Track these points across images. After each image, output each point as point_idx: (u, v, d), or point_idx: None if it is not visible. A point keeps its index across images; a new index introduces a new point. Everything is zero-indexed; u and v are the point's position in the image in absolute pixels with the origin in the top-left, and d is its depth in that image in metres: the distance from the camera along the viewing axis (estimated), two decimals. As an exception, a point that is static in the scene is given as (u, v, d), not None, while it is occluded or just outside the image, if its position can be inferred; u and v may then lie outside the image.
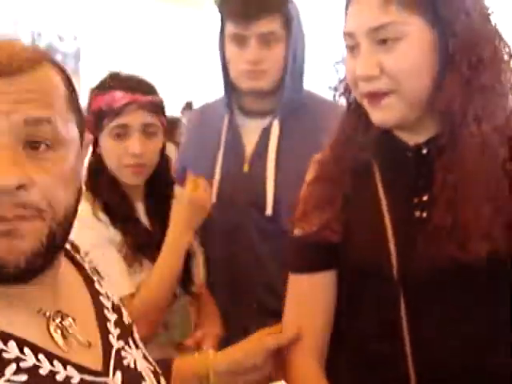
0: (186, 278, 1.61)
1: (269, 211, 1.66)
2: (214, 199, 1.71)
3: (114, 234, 1.51)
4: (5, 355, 0.72)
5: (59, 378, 0.75)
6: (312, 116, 1.71)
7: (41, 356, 0.75)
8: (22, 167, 0.71)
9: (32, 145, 0.73)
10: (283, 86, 1.69)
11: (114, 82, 1.57)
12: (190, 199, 1.57)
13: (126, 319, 0.95)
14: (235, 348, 1.23)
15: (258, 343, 1.21)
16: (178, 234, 1.55)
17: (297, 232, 1.20)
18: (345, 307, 1.19)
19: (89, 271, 0.94)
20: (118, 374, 0.83)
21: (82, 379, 0.77)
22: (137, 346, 0.92)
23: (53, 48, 5.38)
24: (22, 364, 0.72)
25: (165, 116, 1.61)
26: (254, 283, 1.70)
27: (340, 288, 1.19)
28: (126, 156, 1.53)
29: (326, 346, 1.20)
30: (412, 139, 1.12)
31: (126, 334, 0.91)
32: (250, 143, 1.73)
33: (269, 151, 1.69)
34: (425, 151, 1.10)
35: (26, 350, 0.74)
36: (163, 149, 1.62)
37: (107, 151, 1.56)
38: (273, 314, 1.56)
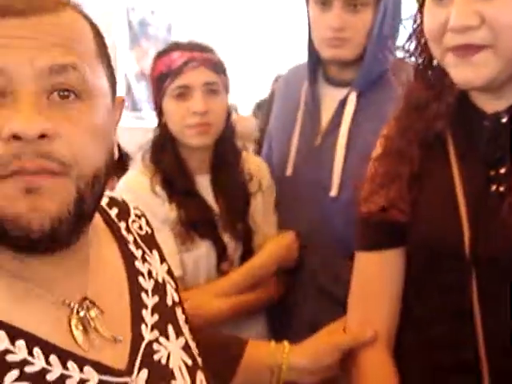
0: None
1: (334, 192, 1.55)
2: (288, 171, 1.65)
3: (170, 210, 1.50)
4: (9, 358, 0.65)
5: (70, 383, 0.68)
6: (391, 91, 1.57)
7: (52, 357, 0.68)
8: (46, 116, 0.65)
9: (59, 93, 0.67)
10: (365, 58, 1.57)
11: (172, 45, 1.57)
12: (289, 247, 1.57)
13: (170, 300, 0.86)
14: (308, 345, 1.21)
15: (333, 344, 1.18)
16: (263, 264, 1.55)
17: (363, 210, 1.15)
18: (412, 287, 1.14)
19: (132, 244, 0.86)
20: (144, 371, 0.75)
21: (100, 381, 0.70)
22: (178, 334, 0.84)
23: (146, 22, 5.47)
24: (27, 368, 0.66)
25: (226, 76, 1.59)
26: (314, 267, 1.62)
27: (408, 267, 1.14)
28: (190, 116, 1.51)
29: (394, 326, 1.16)
30: (491, 106, 1.04)
31: (165, 319, 0.82)
32: (326, 114, 1.63)
33: (341, 128, 1.57)
34: (504, 120, 1.02)
35: (37, 350, 0.67)
36: (228, 112, 1.60)
37: (170, 114, 1.54)
38: (337, 303, 1.52)
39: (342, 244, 1.53)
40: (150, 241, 0.89)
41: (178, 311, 0.87)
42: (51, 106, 0.67)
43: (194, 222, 1.50)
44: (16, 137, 0.63)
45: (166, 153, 1.54)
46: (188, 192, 1.53)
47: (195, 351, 0.86)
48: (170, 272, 0.90)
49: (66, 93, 0.68)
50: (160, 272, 0.87)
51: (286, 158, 1.66)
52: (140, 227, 0.89)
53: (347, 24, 1.54)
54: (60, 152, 0.66)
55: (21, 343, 0.66)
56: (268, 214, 1.66)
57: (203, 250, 1.51)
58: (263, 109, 4.97)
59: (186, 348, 0.84)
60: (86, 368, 0.70)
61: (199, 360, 0.86)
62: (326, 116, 1.63)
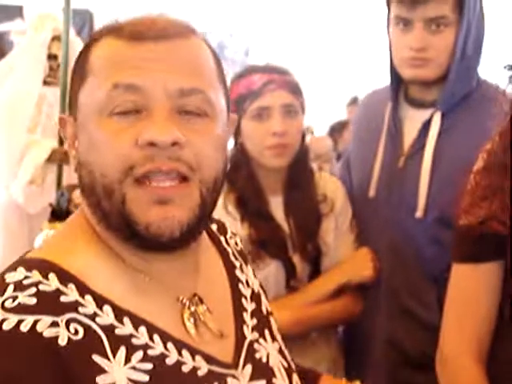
0: None
1: (419, 213, 1.54)
2: (372, 192, 1.65)
3: (241, 229, 1.52)
4: (134, 341, 0.73)
5: (185, 368, 0.76)
6: (478, 110, 1.53)
7: (169, 345, 0.76)
8: (178, 126, 0.73)
9: (185, 113, 0.75)
10: (448, 78, 1.55)
11: (251, 68, 1.62)
12: (363, 262, 1.59)
13: (265, 308, 0.93)
14: None
15: None
16: (335, 278, 1.57)
17: (462, 222, 1.16)
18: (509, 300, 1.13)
19: (232, 256, 0.93)
20: (248, 367, 0.82)
21: (209, 370, 0.77)
22: (273, 339, 0.90)
23: (223, 45, 5.59)
24: (149, 352, 0.74)
25: (303, 97, 1.61)
26: (397, 286, 1.61)
27: (506, 282, 1.14)
28: (268, 137, 1.54)
29: (489, 340, 1.16)
30: None
31: (262, 324, 0.89)
32: (409, 136, 1.62)
33: (426, 149, 1.56)
34: None
35: (156, 337, 0.75)
36: (303, 133, 1.62)
37: (249, 134, 1.57)
38: (419, 323, 1.50)
39: (424, 264, 1.54)
40: (244, 256, 0.97)
41: (272, 319, 0.93)
42: (180, 120, 0.75)
43: (265, 242, 1.53)
44: (151, 144, 0.72)
45: (241, 173, 1.57)
46: (260, 212, 1.56)
47: (288, 357, 0.92)
48: (261, 285, 0.97)
49: (190, 114, 0.76)
50: (255, 283, 0.94)
51: (368, 180, 1.65)
52: (236, 243, 0.97)
53: (428, 44, 1.53)
54: (188, 157, 0.74)
55: (142, 329, 0.74)
56: (342, 234, 1.66)
57: (273, 269, 1.54)
58: (338, 130, 5.00)
59: (281, 352, 0.90)
60: (198, 357, 0.77)
61: (293, 365, 0.92)
62: (408, 138, 1.62)
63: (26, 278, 0.72)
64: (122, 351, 0.72)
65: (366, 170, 1.66)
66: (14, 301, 0.69)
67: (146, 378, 0.72)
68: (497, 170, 1.13)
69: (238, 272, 0.91)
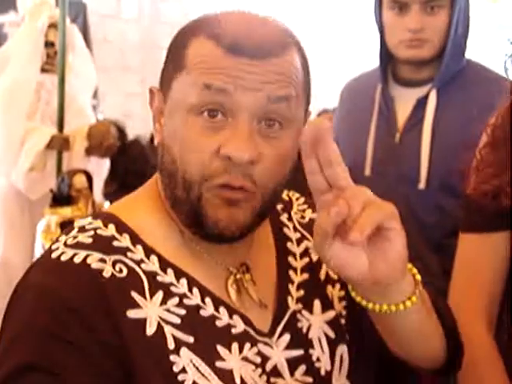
0: None
1: (422, 185, 1.61)
2: (367, 171, 1.70)
3: None
4: (173, 289, 0.80)
5: (219, 323, 0.81)
6: (471, 85, 1.64)
7: (208, 300, 0.82)
8: (255, 143, 0.78)
9: (267, 122, 0.79)
10: (443, 55, 1.63)
11: None
12: None
13: (324, 275, 0.93)
14: None
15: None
16: None
17: (471, 196, 1.18)
18: None
19: (290, 229, 0.95)
20: (286, 336, 0.85)
21: (244, 330, 0.82)
22: (326, 308, 0.91)
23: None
24: (185, 300, 0.80)
25: None
26: None
27: None
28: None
29: (496, 306, 1.18)
30: None
31: (312, 295, 0.90)
32: (402, 113, 1.69)
33: (425, 122, 1.63)
34: None
35: (195, 290, 0.81)
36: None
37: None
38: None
39: (426, 233, 1.60)
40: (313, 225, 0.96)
41: (333, 287, 0.93)
42: (260, 131, 0.79)
43: None
44: (229, 158, 0.77)
45: None
46: None
47: (344, 327, 0.91)
48: None
49: (272, 122, 0.79)
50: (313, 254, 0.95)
51: (361, 160, 1.71)
52: (302, 217, 0.98)
53: (425, 25, 1.61)
54: (258, 175, 0.79)
55: (183, 281, 0.82)
56: None
57: None
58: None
59: (333, 322, 0.90)
60: (235, 317, 0.83)
61: (347, 336, 0.91)
62: (402, 115, 1.69)
63: (89, 223, 0.83)
64: (159, 294, 0.79)
65: (358, 151, 1.71)
66: (74, 239, 0.81)
67: (178, 320, 0.78)
68: (502, 146, 1.14)
69: (289, 244, 0.94)
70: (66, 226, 1.78)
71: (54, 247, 0.81)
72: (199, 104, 0.78)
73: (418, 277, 0.82)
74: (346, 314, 0.92)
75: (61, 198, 2.76)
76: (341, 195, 0.71)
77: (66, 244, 0.80)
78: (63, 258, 0.78)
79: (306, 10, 6.41)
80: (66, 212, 2.70)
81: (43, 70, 3.08)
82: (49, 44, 3.08)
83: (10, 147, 2.97)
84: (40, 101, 3.07)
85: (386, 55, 1.71)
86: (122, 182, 3.59)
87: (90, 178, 2.83)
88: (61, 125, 3.03)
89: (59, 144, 3.02)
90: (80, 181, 2.78)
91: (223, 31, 0.78)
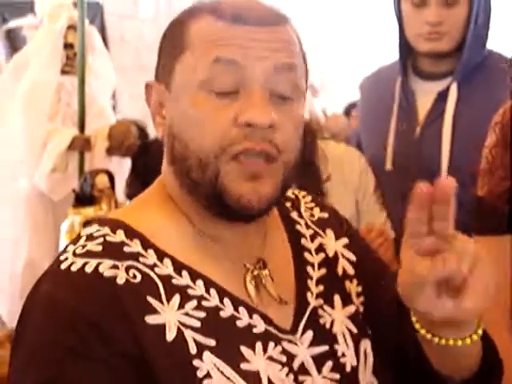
0: None
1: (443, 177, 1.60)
2: (388, 165, 1.69)
3: None
4: (190, 291, 0.78)
5: (240, 324, 0.79)
6: (493, 77, 1.62)
7: (226, 300, 0.79)
8: (272, 109, 0.77)
9: (278, 95, 0.79)
10: (463, 48, 1.62)
11: None
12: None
13: (341, 270, 0.92)
14: None
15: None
16: None
17: (483, 198, 1.15)
18: None
19: (302, 226, 0.94)
20: (309, 332, 0.83)
21: (266, 330, 0.80)
22: (346, 303, 0.89)
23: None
24: (204, 303, 0.78)
25: None
26: None
27: None
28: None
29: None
30: None
31: (332, 290, 0.89)
32: (423, 106, 1.68)
33: (445, 115, 1.62)
34: None
35: (213, 291, 0.79)
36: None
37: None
38: None
39: None
40: (324, 223, 0.97)
41: (350, 282, 0.91)
42: (272, 101, 0.78)
43: None
44: (249, 124, 0.76)
45: None
46: None
47: (363, 323, 0.89)
48: (351, 244, 0.96)
49: (282, 95, 0.79)
50: (333, 247, 0.94)
51: (382, 154, 1.70)
52: (311, 215, 0.98)
53: (444, 18, 1.60)
54: (278, 139, 0.78)
55: (200, 283, 0.79)
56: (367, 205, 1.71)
57: None
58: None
59: (354, 317, 0.88)
60: (255, 316, 0.80)
61: (368, 330, 0.89)
62: (422, 109, 1.68)
63: (97, 231, 0.80)
64: (176, 298, 0.77)
65: (380, 145, 1.71)
66: (83, 248, 0.78)
67: (198, 324, 0.76)
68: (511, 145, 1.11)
69: (304, 241, 0.93)
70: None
71: (62, 258, 0.78)
72: (210, 79, 0.77)
73: None
74: (363, 310, 0.90)
75: (83, 199, 2.78)
76: (449, 248, 0.68)
77: (75, 254, 0.77)
78: (73, 269, 0.76)
79: (327, 2, 6.40)
80: (89, 212, 2.72)
81: (63, 72, 3.11)
82: (68, 46, 3.10)
83: (32, 149, 3.00)
84: (60, 102, 3.09)
85: (406, 48, 1.70)
86: (143, 181, 3.60)
87: (111, 178, 2.85)
88: (82, 126, 3.06)
89: (81, 145, 3.05)
90: (102, 181, 2.80)
91: (223, 7, 0.79)
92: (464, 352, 0.77)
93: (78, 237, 0.81)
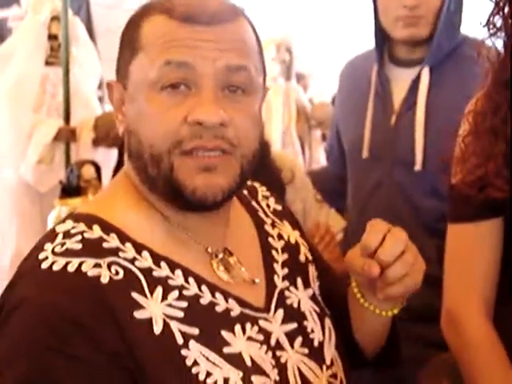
0: None
1: (418, 166, 1.59)
2: (365, 153, 1.69)
3: None
4: (170, 282, 0.81)
5: (218, 309, 0.83)
6: (467, 63, 1.55)
7: (204, 287, 0.83)
8: (223, 107, 0.80)
9: (230, 89, 0.81)
10: (436, 33, 1.60)
11: None
12: None
13: (304, 256, 1.00)
14: None
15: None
16: None
17: (456, 186, 1.14)
18: None
19: (261, 213, 0.99)
20: (280, 311, 0.89)
21: (241, 312, 0.84)
22: (306, 285, 0.96)
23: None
24: (184, 292, 0.81)
25: None
26: None
27: (507, 236, 1.12)
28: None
29: (493, 295, 1.15)
30: None
31: (295, 273, 0.95)
32: (398, 94, 1.67)
33: (418, 102, 1.61)
34: None
35: (191, 279, 0.83)
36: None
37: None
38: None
39: (421, 216, 1.59)
40: (280, 214, 1.03)
41: (311, 267, 1.00)
42: (224, 98, 0.81)
43: None
44: (199, 123, 0.78)
45: None
46: None
47: (322, 303, 0.98)
48: (302, 236, 1.05)
49: (234, 89, 0.82)
50: (292, 235, 1.01)
51: (359, 142, 1.70)
52: (267, 205, 1.03)
53: (420, 2, 1.58)
54: (230, 135, 0.81)
55: (178, 272, 0.82)
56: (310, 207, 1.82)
57: None
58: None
59: (314, 298, 0.96)
60: (230, 300, 0.84)
61: (327, 310, 0.97)
62: (398, 96, 1.67)
63: (73, 227, 0.81)
64: (158, 290, 0.79)
65: (357, 132, 1.71)
66: (62, 246, 0.78)
67: (181, 314, 0.79)
68: (487, 135, 1.10)
69: (267, 227, 0.98)
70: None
71: (41, 257, 0.77)
72: (161, 80, 0.79)
73: None
74: (319, 293, 0.98)
75: (70, 190, 2.79)
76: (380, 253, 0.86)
77: (54, 252, 0.77)
78: (56, 268, 0.75)
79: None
80: (76, 203, 2.73)
81: (47, 63, 3.11)
82: (52, 37, 3.10)
83: (17, 141, 3.01)
84: (45, 94, 3.09)
85: (381, 35, 1.69)
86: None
87: (98, 169, 2.86)
88: (67, 117, 3.06)
89: (66, 136, 3.05)
90: (88, 172, 2.81)
91: (174, 5, 0.81)
92: (380, 321, 0.96)
93: (54, 234, 0.81)
